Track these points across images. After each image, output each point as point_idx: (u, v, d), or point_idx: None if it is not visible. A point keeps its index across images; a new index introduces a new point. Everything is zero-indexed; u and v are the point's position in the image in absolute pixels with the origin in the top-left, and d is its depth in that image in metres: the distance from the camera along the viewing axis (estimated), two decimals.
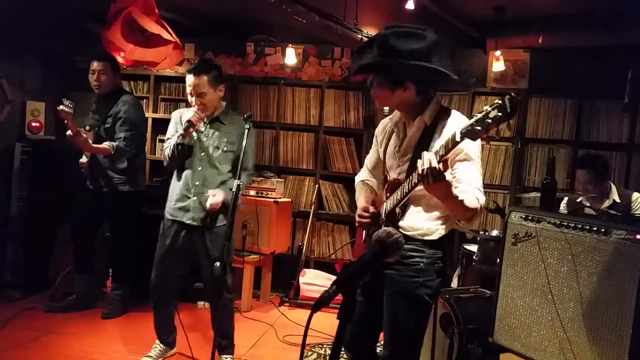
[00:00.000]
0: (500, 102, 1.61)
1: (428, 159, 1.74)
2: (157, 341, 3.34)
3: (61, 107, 3.49)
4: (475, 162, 2.00)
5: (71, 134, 3.56)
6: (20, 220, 4.35)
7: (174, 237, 3.14)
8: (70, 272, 4.20)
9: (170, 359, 3.37)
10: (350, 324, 1.25)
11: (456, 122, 2.02)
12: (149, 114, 5.42)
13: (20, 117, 4.69)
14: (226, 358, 3.30)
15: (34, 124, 4.67)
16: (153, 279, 3.21)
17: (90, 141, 3.73)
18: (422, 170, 1.75)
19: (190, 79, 3.02)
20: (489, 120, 1.63)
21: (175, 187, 3.18)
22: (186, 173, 3.14)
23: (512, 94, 1.61)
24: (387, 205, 2.13)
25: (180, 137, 3.02)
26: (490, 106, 1.64)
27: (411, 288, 2.06)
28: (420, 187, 1.90)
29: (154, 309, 3.29)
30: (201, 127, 3.14)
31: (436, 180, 1.74)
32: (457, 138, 1.71)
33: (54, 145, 4.70)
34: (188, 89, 3.06)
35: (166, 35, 3.79)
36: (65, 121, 3.52)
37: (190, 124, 2.99)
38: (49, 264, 4.42)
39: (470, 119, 1.71)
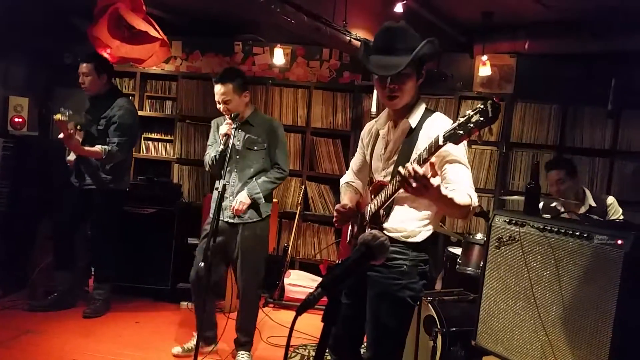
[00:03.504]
0: (482, 106, 1.63)
1: (412, 169, 1.73)
2: (195, 334, 3.42)
3: (58, 116, 3.51)
4: (463, 163, 2.02)
5: (64, 137, 3.57)
6: (0, 217, 4.28)
7: (214, 235, 3.29)
8: (47, 268, 4.14)
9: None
10: (335, 325, 1.24)
11: (440, 124, 2.03)
12: None
13: (3, 113, 4.62)
14: (242, 355, 3.32)
15: (16, 120, 4.60)
16: (192, 274, 3.33)
17: (80, 140, 3.73)
18: (406, 180, 1.74)
19: (217, 87, 3.21)
20: (471, 125, 1.64)
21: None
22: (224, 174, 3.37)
23: (494, 99, 1.64)
24: (371, 207, 2.13)
25: (222, 148, 3.19)
26: (472, 110, 1.65)
27: (394, 290, 2.07)
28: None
29: (195, 303, 3.44)
30: (233, 129, 3.27)
31: (426, 188, 1.73)
32: (440, 142, 1.73)
33: (36, 142, 4.64)
34: (216, 97, 3.23)
35: (153, 33, 3.76)
36: (61, 129, 3.55)
37: (227, 137, 3.16)
38: (29, 262, 4.35)
39: (453, 123, 1.72)
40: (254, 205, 3.28)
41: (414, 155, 1.96)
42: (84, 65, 3.89)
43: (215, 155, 3.23)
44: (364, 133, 2.39)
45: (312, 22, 3.85)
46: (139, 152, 5.44)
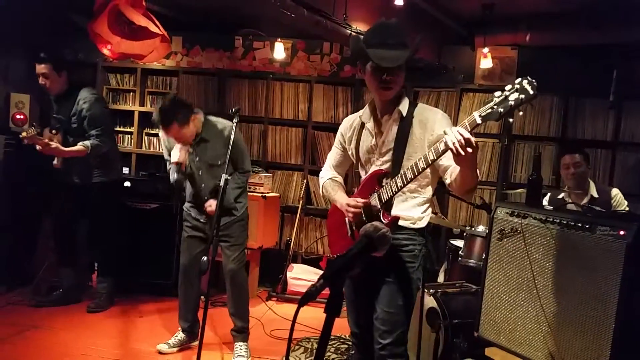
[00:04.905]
0: (518, 85, 1.67)
1: (458, 132, 1.74)
2: (179, 329, 3.45)
3: (23, 134, 3.59)
4: None
5: (41, 149, 3.63)
6: (3, 213, 4.29)
7: (194, 224, 3.38)
8: (51, 265, 4.16)
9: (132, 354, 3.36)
10: (338, 316, 1.24)
11: (431, 112, 2.17)
12: (136, 107, 5.39)
13: (4, 110, 4.62)
14: (240, 347, 3.33)
15: (18, 117, 4.61)
16: (181, 263, 3.43)
17: (60, 144, 3.75)
18: (454, 143, 1.74)
19: (161, 131, 3.24)
20: (511, 102, 1.68)
21: (189, 188, 3.42)
22: (193, 184, 3.37)
23: (528, 77, 1.67)
24: (383, 195, 2.12)
25: (176, 174, 3.23)
26: (508, 90, 1.69)
27: (409, 273, 2.16)
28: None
29: (180, 294, 3.45)
30: (190, 149, 3.30)
31: (472, 149, 1.75)
32: (478, 121, 1.75)
33: None
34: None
35: (153, 28, 3.75)
36: (34, 144, 3.61)
37: (179, 165, 3.23)
38: (33, 257, 4.38)
39: (488, 103, 1.75)
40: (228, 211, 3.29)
41: (410, 141, 2.11)
42: (42, 66, 3.82)
43: (176, 180, 3.26)
44: (345, 128, 2.43)
45: (312, 15, 3.84)
46: (141, 148, 5.45)
